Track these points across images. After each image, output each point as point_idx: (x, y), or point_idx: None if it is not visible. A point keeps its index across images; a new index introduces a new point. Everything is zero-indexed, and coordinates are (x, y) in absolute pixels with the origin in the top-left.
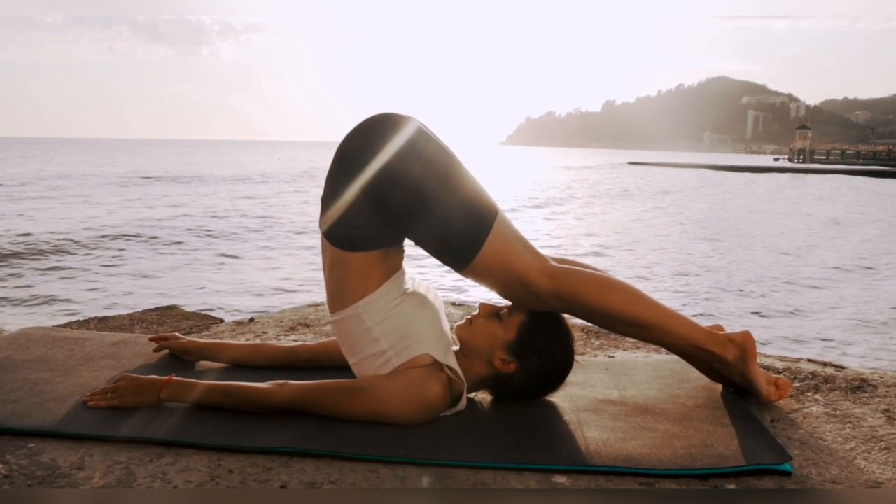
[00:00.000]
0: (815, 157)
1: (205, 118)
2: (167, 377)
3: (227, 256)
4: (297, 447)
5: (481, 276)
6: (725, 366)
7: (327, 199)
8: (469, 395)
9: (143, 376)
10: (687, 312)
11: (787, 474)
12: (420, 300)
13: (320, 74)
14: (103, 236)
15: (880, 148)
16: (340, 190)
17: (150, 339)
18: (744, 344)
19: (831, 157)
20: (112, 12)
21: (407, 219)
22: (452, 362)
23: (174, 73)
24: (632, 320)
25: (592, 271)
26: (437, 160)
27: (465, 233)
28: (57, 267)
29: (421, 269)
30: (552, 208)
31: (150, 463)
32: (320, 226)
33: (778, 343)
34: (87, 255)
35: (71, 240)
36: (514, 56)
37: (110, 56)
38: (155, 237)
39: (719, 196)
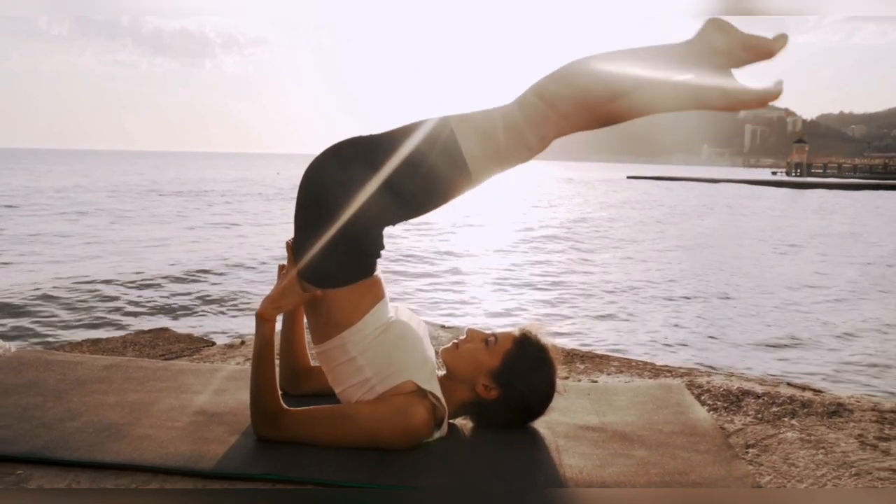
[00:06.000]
0: (813, 170)
1: (207, 130)
2: (271, 318)
3: (218, 276)
4: (280, 474)
5: (492, 169)
6: (723, 47)
7: (306, 238)
8: (451, 421)
9: (290, 291)
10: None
11: None
12: (403, 328)
13: (323, 86)
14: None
15: (876, 161)
16: (325, 221)
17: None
18: (713, 20)
19: (828, 171)
20: (115, 16)
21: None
22: (435, 388)
23: (177, 85)
24: (631, 76)
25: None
26: (401, 136)
27: (444, 162)
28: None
29: (433, 289)
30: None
31: (135, 490)
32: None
33: None
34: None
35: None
36: (511, 67)
37: (114, 68)
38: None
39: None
